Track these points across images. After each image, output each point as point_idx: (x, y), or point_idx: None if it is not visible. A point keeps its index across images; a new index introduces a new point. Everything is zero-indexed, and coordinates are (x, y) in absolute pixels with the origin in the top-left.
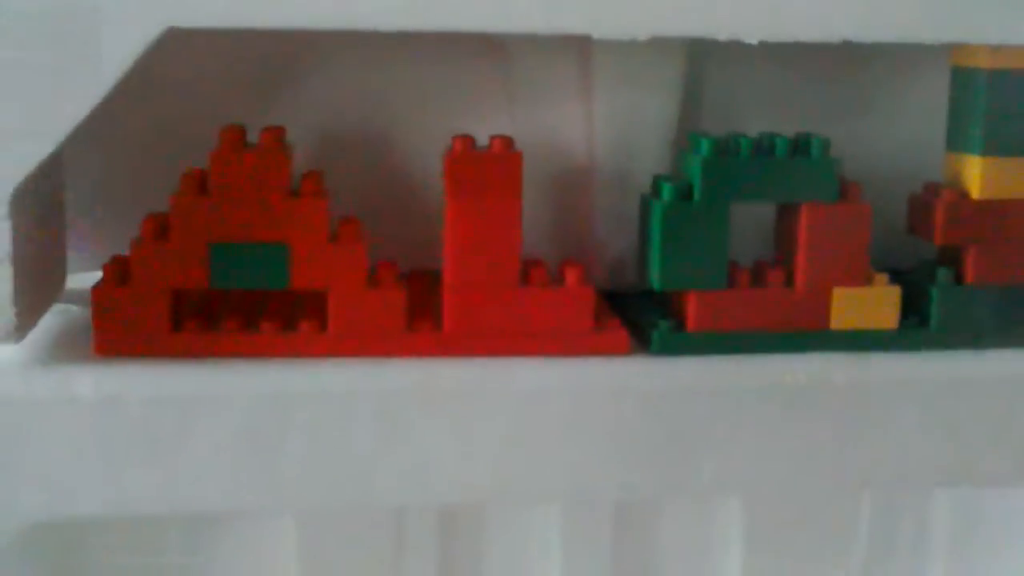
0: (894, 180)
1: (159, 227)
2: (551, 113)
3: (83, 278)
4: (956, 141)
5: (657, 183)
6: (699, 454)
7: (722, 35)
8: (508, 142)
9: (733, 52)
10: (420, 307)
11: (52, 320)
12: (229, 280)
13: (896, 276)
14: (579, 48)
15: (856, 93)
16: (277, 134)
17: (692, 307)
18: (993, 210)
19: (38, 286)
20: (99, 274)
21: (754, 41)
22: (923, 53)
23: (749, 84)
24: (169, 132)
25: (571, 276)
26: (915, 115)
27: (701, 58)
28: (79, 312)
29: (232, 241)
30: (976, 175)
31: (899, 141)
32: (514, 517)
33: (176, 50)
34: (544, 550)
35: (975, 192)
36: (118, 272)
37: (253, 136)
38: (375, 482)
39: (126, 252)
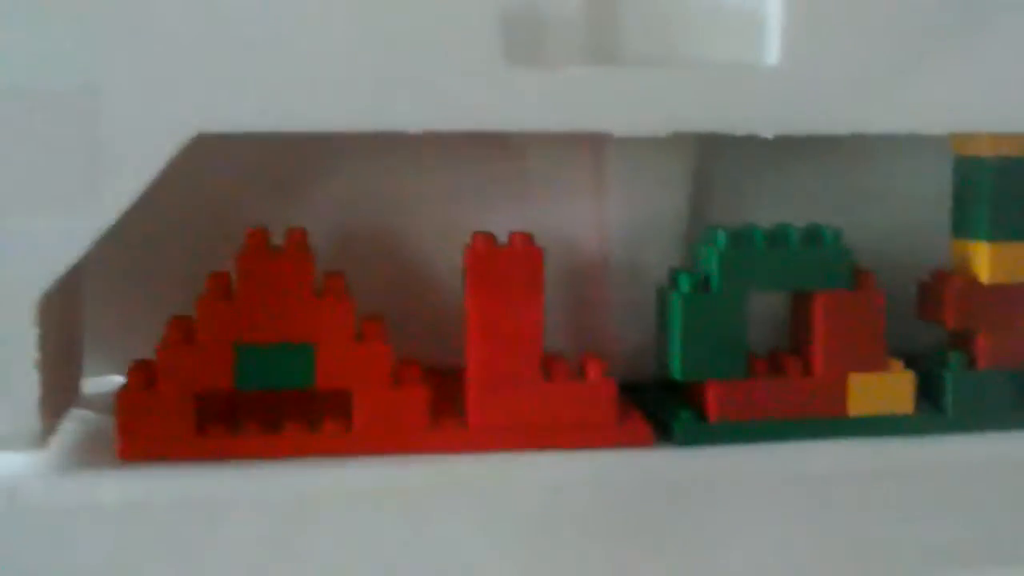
0: (903, 266)
1: (184, 330)
2: (565, 208)
3: (95, 383)
4: (962, 227)
5: (674, 275)
6: (723, 543)
7: (739, 130)
8: (528, 238)
9: (741, 144)
10: (443, 404)
11: (71, 425)
12: (255, 381)
13: (910, 361)
14: (591, 144)
15: (861, 182)
16: (300, 236)
17: (712, 396)
18: (1002, 295)
19: (60, 392)
20: (113, 379)
21: (769, 136)
22: (925, 140)
23: (757, 176)
24: (189, 235)
25: (593, 370)
26: (920, 202)
27: (710, 151)
28: (95, 417)
29: (258, 342)
30: (984, 261)
31: (906, 228)
32: None
33: (195, 153)
34: None
35: (984, 277)
36: (143, 376)
37: (277, 239)
38: None
39: (143, 357)
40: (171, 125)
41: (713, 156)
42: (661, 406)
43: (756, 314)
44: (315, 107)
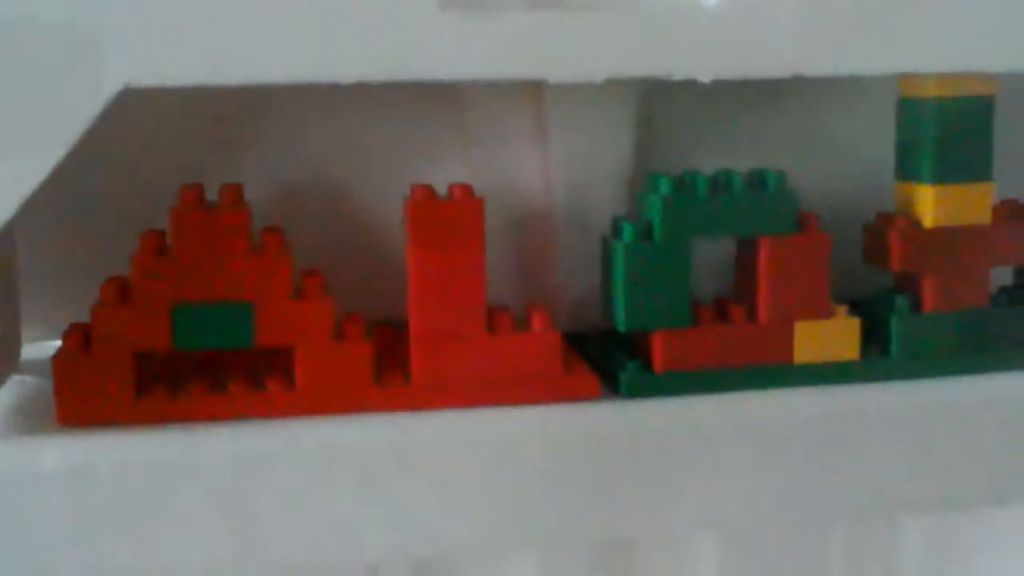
0: (848, 209)
1: (120, 290)
2: (507, 158)
3: (36, 348)
4: (906, 170)
5: (617, 223)
6: (674, 493)
7: (677, 74)
8: (468, 189)
9: (685, 90)
10: (388, 359)
11: (10, 391)
12: (193, 341)
13: (854, 305)
14: (533, 92)
15: (806, 126)
16: (236, 191)
17: (658, 347)
18: (946, 237)
19: None
20: (53, 343)
21: (707, 80)
22: (869, 83)
23: (701, 121)
24: (120, 194)
25: (537, 321)
26: (865, 145)
27: (653, 97)
28: (36, 383)
29: (195, 301)
30: (928, 203)
31: (851, 171)
32: (490, 567)
33: (126, 109)
34: None
35: (928, 220)
36: (79, 339)
37: (211, 195)
38: (351, 537)
39: (81, 320)
40: (99, 78)
41: (657, 101)
42: (608, 357)
43: (702, 261)
44: (246, 59)
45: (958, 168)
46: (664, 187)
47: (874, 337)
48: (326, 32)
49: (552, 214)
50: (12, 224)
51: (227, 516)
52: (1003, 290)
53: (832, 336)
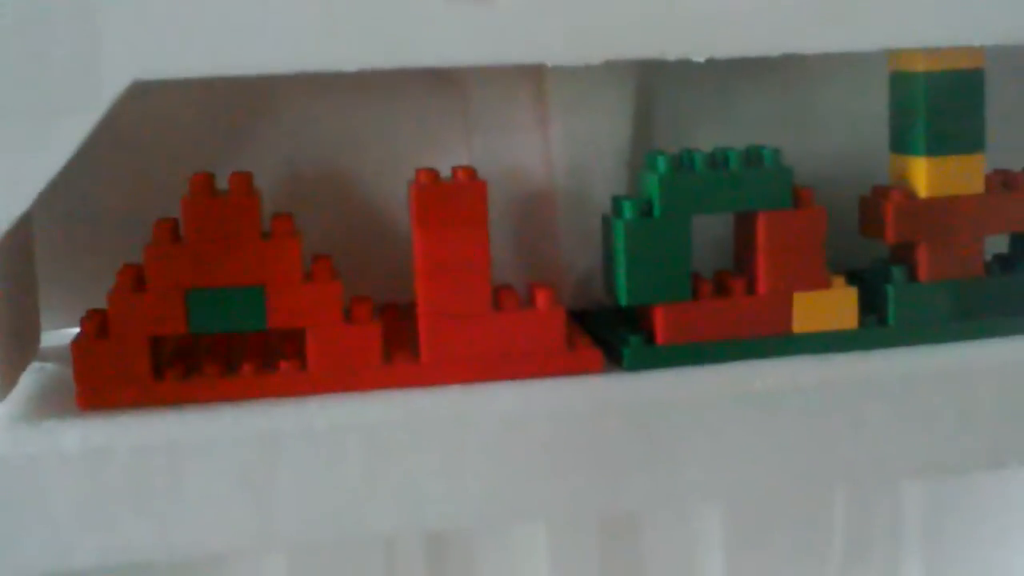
0: (844, 183)
1: (135, 277)
2: (509, 141)
3: (54, 336)
4: (900, 143)
5: (617, 202)
6: (677, 463)
7: (672, 55)
8: (471, 172)
9: (681, 71)
10: (396, 339)
11: (31, 378)
12: (207, 324)
13: (852, 276)
14: (533, 77)
15: (801, 102)
16: (245, 179)
17: (660, 321)
18: (940, 208)
19: (17, 345)
20: (71, 331)
21: (701, 59)
22: (862, 57)
23: (698, 101)
24: (134, 184)
25: (541, 298)
26: (859, 120)
27: (651, 78)
28: (55, 369)
29: (208, 286)
30: (922, 175)
31: (846, 146)
32: (502, 538)
33: (137, 101)
34: (533, 569)
35: (922, 191)
36: (96, 325)
37: (221, 183)
38: (364, 513)
39: (98, 306)
40: (107, 73)
41: (654, 82)
42: (610, 332)
43: (701, 236)
44: (251, 51)
45: (950, 140)
46: (662, 165)
47: (871, 307)
48: (328, 22)
49: (553, 195)
50: (29, 215)
51: (242, 494)
52: (997, 258)
53: (830, 306)
